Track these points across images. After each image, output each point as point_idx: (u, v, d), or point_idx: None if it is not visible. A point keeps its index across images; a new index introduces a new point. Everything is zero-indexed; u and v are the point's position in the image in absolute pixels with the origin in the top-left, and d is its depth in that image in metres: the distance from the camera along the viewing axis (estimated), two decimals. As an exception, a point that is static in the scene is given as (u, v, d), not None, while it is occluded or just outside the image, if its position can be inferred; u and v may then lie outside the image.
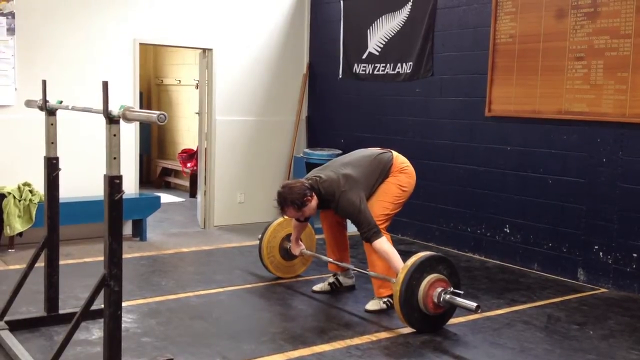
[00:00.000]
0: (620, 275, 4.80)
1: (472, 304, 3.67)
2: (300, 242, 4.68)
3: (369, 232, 3.97)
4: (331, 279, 4.57)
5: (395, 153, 4.41)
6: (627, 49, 4.68)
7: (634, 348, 3.66)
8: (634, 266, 4.72)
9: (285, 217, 4.31)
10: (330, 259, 4.52)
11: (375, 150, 4.44)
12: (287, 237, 4.75)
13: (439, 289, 3.74)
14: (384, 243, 3.96)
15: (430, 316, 3.78)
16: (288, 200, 4.06)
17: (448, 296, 3.73)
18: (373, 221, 4.00)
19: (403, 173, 4.32)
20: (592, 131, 4.95)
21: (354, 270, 4.50)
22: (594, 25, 4.87)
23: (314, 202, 4.11)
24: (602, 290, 4.83)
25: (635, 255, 4.71)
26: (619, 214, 4.80)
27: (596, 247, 4.94)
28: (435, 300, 3.72)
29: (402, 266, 3.80)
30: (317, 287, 4.56)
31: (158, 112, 2.49)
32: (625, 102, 4.71)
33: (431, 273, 3.76)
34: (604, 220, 4.89)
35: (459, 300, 3.74)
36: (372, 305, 4.18)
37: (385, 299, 4.18)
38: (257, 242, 4.82)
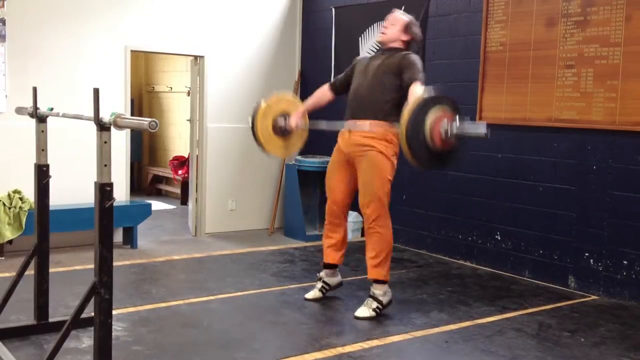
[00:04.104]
0: (610, 282, 4.82)
1: (482, 128, 3.57)
2: (304, 117, 4.57)
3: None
4: (319, 284, 4.56)
5: None
6: (617, 57, 4.72)
7: (625, 355, 3.67)
8: (625, 273, 4.74)
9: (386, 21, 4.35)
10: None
11: None
12: (280, 116, 4.54)
13: (445, 123, 3.59)
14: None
15: (438, 153, 3.64)
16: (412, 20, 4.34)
17: (455, 128, 3.58)
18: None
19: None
20: (582, 139, 4.98)
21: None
22: (584, 34, 4.91)
23: (402, 39, 4.30)
24: (593, 297, 4.85)
25: (625, 262, 4.73)
26: (610, 221, 4.83)
27: (587, 254, 4.96)
28: (443, 134, 3.58)
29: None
30: (309, 295, 4.55)
31: (149, 119, 2.48)
32: (615, 109, 4.74)
33: (436, 109, 3.62)
34: (595, 227, 4.91)
35: (467, 126, 3.61)
36: (362, 312, 4.17)
37: (375, 306, 4.18)
38: (250, 248, 4.79)
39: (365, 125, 4.20)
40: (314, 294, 4.54)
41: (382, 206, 4.18)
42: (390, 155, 4.20)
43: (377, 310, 4.16)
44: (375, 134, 4.17)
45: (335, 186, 4.45)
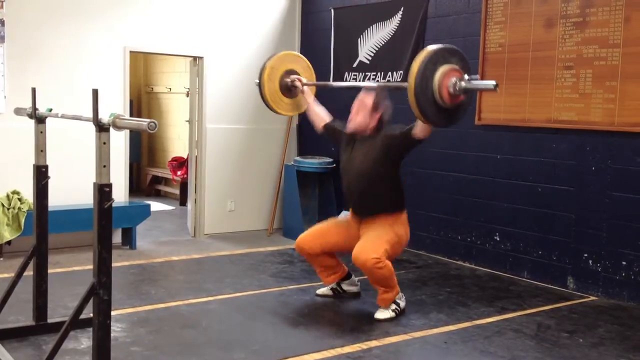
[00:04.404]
0: (609, 283, 4.82)
1: (491, 82, 3.58)
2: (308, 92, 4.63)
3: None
4: (334, 284, 4.56)
5: None
6: (616, 58, 4.72)
7: (624, 356, 3.67)
8: (623, 274, 4.74)
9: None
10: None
11: None
12: (287, 73, 4.58)
13: (454, 79, 3.57)
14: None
15: (446, 109, 3.64)
16: (378, 93, 4.19)
17: (464, 83, 3.56)
18: None
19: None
20: (581, 140, 4.98)
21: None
22: (583, 35, 4.91)
23: (374, 121, 4.22)
24: (592, 298, 4.85)
25: (624, 263, 4.74)
26: (608, 222, 4.83)
27: (585, 255, 4.96)
28: (451, 89, 3.56)
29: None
30: (320, 291, 4.59)
31: (148, 120, 2.49)
32: (613, 111, 4.74)
33: (444, 64, 3.60)
34: (593, 228, 4.91)
35: (477, 82, 3.62)
36: (382, 314, 4.16)
37: (394, 307, 4.18)
38: (248, 249, 4.79)
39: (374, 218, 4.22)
40: (323, 290, 4.57)
41: (382, 257, 4.05)
42: (398, 244, 4.26)
43: (397, 311, 4.17)
44: (386, 224, 4.19)
45: (316, 242, 4.37)
